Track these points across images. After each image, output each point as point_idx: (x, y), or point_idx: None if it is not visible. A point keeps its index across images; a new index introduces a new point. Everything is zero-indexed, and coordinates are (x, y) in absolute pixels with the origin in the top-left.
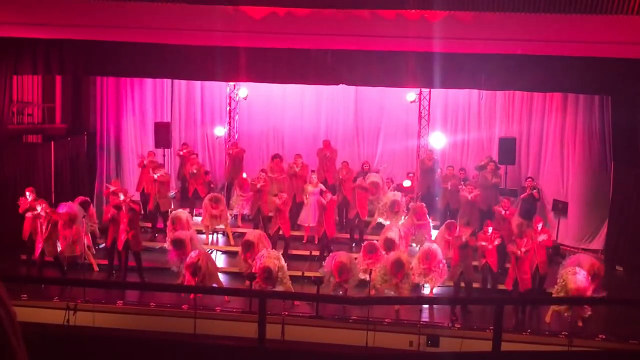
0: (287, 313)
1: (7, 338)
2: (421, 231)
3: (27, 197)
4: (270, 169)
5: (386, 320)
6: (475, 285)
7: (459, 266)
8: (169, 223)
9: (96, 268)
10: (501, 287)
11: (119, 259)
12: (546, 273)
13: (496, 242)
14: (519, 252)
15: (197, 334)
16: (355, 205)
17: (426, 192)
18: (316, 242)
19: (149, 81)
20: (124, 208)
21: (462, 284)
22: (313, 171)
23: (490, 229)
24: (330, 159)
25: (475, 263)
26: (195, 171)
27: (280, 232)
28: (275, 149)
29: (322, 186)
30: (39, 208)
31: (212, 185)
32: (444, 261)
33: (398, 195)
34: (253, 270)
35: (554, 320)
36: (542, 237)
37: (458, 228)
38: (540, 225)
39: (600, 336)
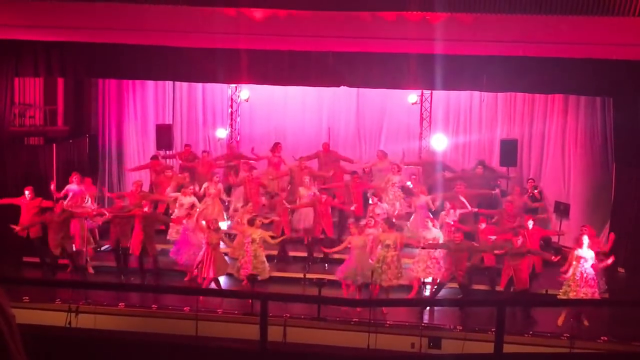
0: (288, 315)
1: (6, 344)
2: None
3: (26, 196)
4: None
5: (388, 322)
6: (478, 287)
7: (450, 270)
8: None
9: (91, 270)
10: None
11: (139, 262)
12: (540, 272)
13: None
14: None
15: (199, 336)
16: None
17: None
18: (305, 242)
19: (150, 83)
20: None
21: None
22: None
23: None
24: (328, 162)
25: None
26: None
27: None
28: None
29: (315, 190)
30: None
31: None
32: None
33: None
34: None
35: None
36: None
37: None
38: (531, 223)
39: (602, 338)
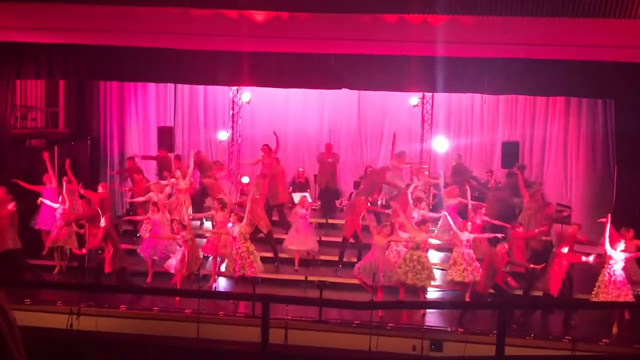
0: (290, 317)
1: (8, 348)
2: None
3: None
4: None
5: (389, 324)
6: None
7: (488, 276)
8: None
9: (62, 269)
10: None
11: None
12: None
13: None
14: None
15: (200, 339)
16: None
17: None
18: (296, 265)
19: (152, 85)
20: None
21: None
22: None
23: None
24: (331, 164)
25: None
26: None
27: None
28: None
29: (306, 201)
30: None
31: None
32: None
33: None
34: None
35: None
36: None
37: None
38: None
39: (603, 340)
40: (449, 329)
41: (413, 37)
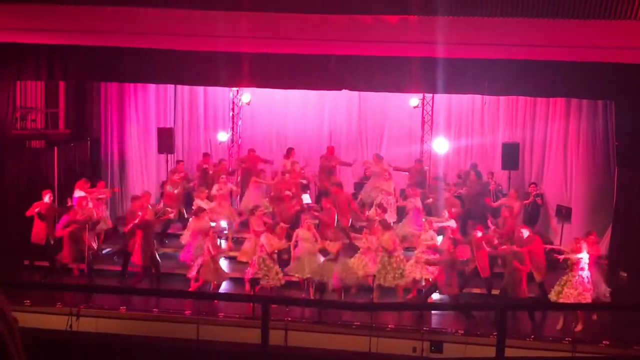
0: (289, 319)
1: (7, 350)
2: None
3: (46, 200)
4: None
5: (389, 325)
6: (476, 290)
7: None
8: None
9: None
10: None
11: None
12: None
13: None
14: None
15: (200, 340)
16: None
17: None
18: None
19: (152, 87)
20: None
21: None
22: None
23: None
24: (332, 166)
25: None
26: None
27: None
28: (278, 154)
29: (314, 231)
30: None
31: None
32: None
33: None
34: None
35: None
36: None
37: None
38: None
39: (604, 342)
40: (450, 330)
41: (413, 38)
